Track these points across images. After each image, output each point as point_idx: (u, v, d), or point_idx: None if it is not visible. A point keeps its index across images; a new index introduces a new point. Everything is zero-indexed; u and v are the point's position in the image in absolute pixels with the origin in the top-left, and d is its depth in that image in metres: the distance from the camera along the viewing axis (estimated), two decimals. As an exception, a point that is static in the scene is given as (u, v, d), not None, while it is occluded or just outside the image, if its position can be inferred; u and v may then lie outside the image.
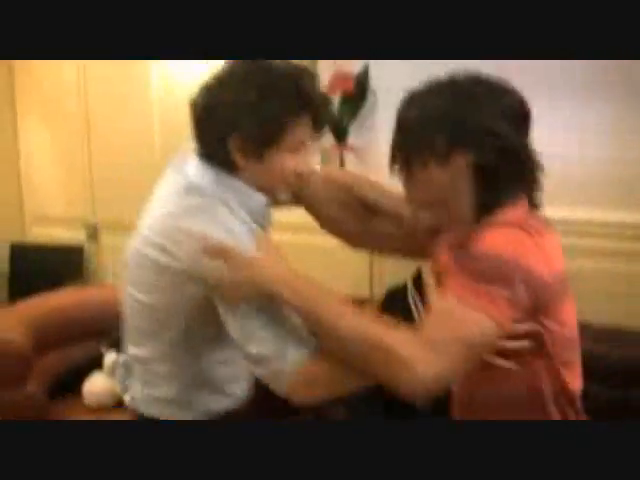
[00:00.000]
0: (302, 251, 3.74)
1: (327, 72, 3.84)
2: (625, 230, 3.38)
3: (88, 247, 4.72)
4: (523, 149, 1.64)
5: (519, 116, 1.65)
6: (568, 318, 1.73)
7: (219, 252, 1.61)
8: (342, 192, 1.96)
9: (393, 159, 1.68)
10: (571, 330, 1.76)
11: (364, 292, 3.65)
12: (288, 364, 1.61)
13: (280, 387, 1.63)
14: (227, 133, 1.70)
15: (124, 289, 1.85)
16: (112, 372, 3.15)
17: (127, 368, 3.18)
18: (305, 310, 1.58)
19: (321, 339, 1.61)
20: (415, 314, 2.97)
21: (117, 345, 3.27)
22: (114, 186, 4.55)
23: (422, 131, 1.60)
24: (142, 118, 4.37)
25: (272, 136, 1.69)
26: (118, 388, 3.13)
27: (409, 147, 1.62)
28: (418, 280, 3.09)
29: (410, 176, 1.64)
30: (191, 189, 1.73)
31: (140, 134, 4.41)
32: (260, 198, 1.77)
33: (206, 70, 1.84)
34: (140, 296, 1.81)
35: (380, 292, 3.46)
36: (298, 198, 1.94)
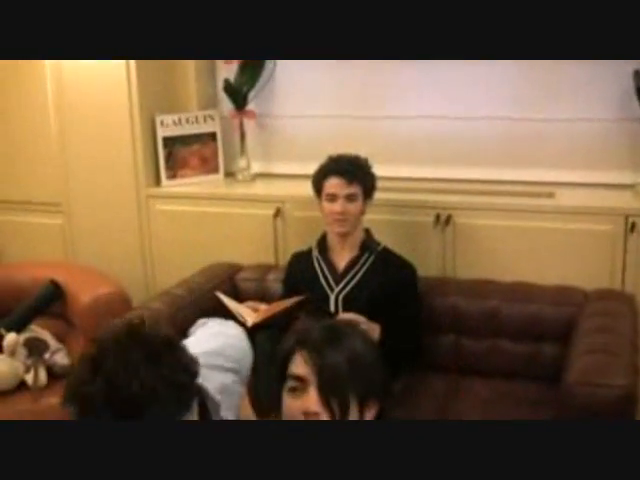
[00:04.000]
0: (211, 220, 3.74)
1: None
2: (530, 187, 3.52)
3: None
4: None
5: None
6: None
7: None
8: None
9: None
10: None
11: (270, 259, 3.69)
12: None
13: None
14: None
15: None
16: (13, 353, 3.09)
17: (30, 348, 3.15)
18: None
19: None
20: (316, 268, 3.04)
21: (16, 325, 3.22)
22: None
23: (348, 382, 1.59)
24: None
25: None
26: (20, 369, 3.11)
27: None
28: (322, 242, 3.18)
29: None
30: None
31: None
32: None
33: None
34: None
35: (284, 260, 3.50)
36: None
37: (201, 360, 1.55)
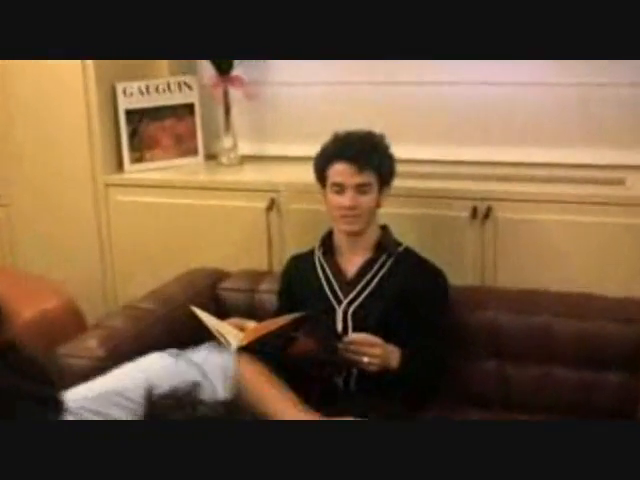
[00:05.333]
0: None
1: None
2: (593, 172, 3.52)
3: None
4: None
5: None
6: None
7: None
8: None
9: None
10: None
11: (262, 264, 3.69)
12: None
13: None
14: None
15: None
16: None
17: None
18: None
19: None
20: (320, 274, 3.14)
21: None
22: None
23: None
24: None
25: None
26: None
27: None
28: (327, 242, 3.13)
29: None
30: None
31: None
32: None
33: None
34: None
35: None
36: None
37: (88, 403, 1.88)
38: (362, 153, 3.03)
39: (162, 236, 3.79)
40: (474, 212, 3.36)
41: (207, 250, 3.70)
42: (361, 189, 3.01)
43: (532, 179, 3.49)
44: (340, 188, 3.03)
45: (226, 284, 3.50)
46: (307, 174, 3.20)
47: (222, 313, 3.22)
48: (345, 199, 3.02)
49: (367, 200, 3.03)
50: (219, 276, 3.55)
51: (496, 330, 3.13)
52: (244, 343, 2.79)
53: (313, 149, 3.16)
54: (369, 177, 3.02)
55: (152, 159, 3.93)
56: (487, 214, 3.35)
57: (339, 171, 3.03)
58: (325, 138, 3.13)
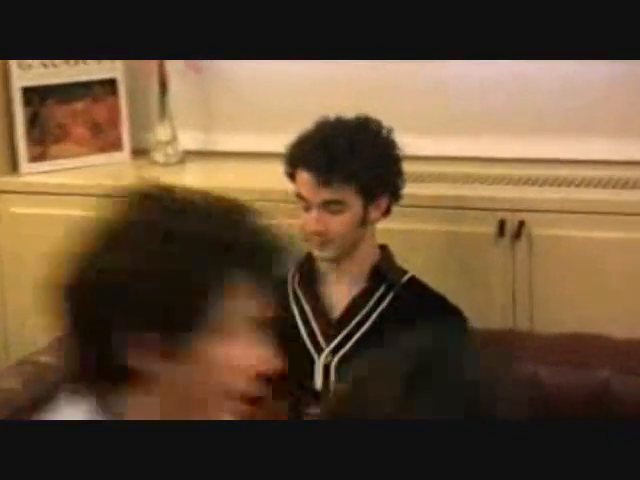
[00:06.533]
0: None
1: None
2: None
3: None
4: None
5: None
6: None
7: None
8: None
9: None
10: None
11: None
12: None
13: None
14: (112, 327, 1.68)
15: None
16: None
17: None
18: None
19: None
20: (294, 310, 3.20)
21: None
22: None
23: None
24: None
25: (189, 318, 1.68)
26: None
27: None
28: (307, 267, 3.06)
29: None
30: None
31: None
32: None
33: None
34: None
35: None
36: None
37: None
38: (334, 158, 2.97)
39: (73, 262, 3.71)
40: (502, 227, 3.37)
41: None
42: (330, 208, 3.00)
43: (580, 183, 3.51)
44: (306, 204, 3.03)
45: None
46: (272, 176, 3.26)
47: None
48: (310, 219, 3.01)
49: (340, 222, 3.00)
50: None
51: (535, 389, 3.11)
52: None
53: (281, 143, 3.14)
54: (342, 192, 2.99)
55: (59, 156, 3.95)
56: (519, 230, 3.36)
57: (302, 181, 3.03)
58: (298, 128, 3.10)
